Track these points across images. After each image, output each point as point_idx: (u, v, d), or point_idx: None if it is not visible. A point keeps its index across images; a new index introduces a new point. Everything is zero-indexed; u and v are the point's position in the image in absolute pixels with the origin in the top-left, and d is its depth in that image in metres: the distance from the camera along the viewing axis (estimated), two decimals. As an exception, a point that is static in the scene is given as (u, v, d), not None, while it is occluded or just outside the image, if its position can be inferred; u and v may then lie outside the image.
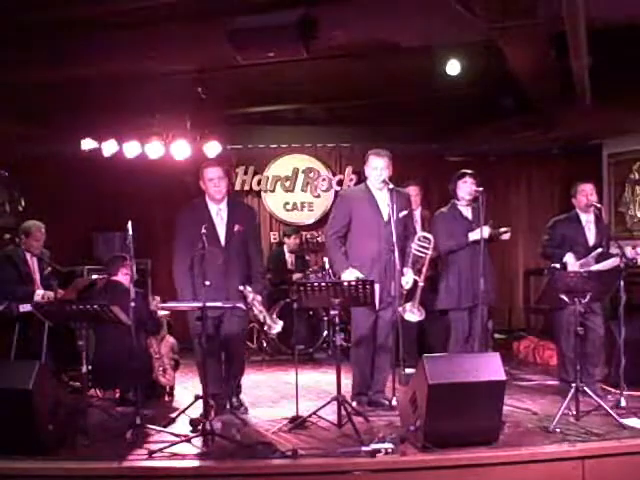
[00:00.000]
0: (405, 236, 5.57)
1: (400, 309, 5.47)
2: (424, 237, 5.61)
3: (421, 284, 5.58)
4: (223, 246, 5.40)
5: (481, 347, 5.87)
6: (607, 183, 9.04)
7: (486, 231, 5.79)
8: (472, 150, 9.32)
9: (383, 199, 5.52)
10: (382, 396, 5.58)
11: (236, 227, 5.46)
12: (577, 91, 6.81)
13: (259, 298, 5.30)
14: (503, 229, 6.08)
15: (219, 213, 5.48)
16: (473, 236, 5.90)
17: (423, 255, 5.56)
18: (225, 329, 5.41)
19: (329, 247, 5.68)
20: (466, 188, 5.99)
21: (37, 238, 6.40)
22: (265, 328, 5.51)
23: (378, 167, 5.53)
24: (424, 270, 5.61)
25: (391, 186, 5.46)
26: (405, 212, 5.54)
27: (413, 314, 5.61)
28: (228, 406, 5.43)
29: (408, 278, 5.49)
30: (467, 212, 6.06)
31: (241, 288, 5.22)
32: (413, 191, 7.02)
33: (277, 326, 5.37)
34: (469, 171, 6.06)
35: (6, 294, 6.09)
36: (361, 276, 5.29)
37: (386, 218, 5.47)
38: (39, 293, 6.20)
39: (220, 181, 5.41)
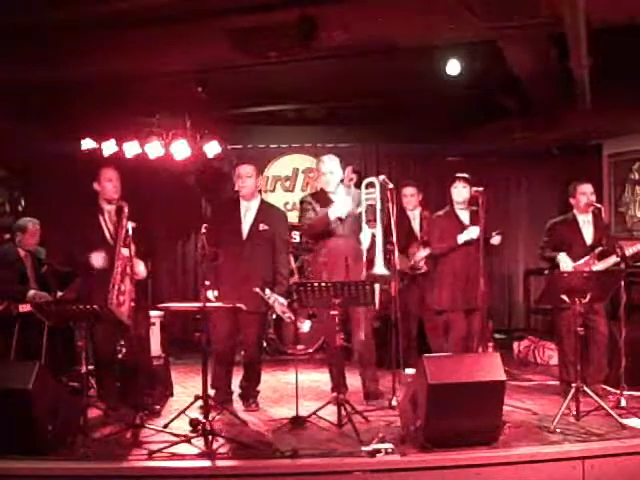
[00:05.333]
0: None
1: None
2: (369, 183, 5.61)
3: (379, 236, 5.52)
4: (243, 241, 5.62)
5: (480, 348, 5.91)
6: (607, 183, 9.03)
7: (476, 232, 5.85)
8: (472, 150, 9.32)
9: (337, 198, 5.73)
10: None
11: (261, 226, 5.66)
12: (577, 91, 6.80)
13: (281, 300, 5.46)
14: (493, 233, 6.07)
15: (248, 210, 5.71)
16: (462, 238, 5.98)
17: (373, 202, 5.55)
18: (241, 328, 5.62)
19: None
20: (457, 192, 6.07)
21: (33, 234, 6.43)
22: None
23: (327, 172, 5.76)
24: (377, 219, 5.56)
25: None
26: (360, 208, 5.63)
27: (381, 269, 5.51)
28: (242, 406, 5.64)
29: (365, 234, 5.55)
30: (464, 216, 6.13)
31: (257, 290, 5.28)
32: (409, 191, 7.06)
33: (304, 325, 5.48)
34: (462, 175, 6.10)
35: (1, 293, 6.09)
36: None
37: (344, 215, 5.65)
38: (31, 294, 6.19)
39: (246, 179, 5.68)
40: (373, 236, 5.51)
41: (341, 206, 5.58)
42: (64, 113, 7.64)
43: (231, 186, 5.91)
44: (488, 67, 7.11)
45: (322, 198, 5.78)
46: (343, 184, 5.87)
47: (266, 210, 5.81)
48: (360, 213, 5.60)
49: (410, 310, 6.94)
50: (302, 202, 5.93)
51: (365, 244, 5.54)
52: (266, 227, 5.66)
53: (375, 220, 5.51)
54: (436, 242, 6.15)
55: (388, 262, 5.72)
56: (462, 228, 6.04)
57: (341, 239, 5.69)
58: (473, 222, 6.00)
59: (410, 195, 7.06)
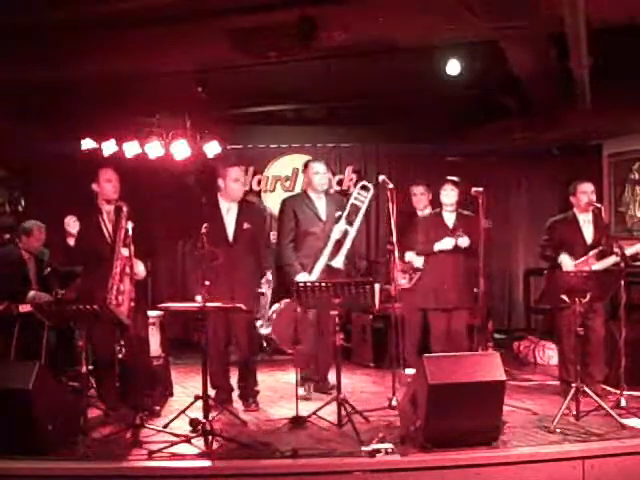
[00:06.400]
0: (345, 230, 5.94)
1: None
2: (364, 186, 5.98)
3: (352, 235, 5.87)
4: (231, 243, 5.64)
5: (473, 347, 5.96)
6: (607, 183, 9.03)
7: (450, 243, 6.09)
8: (472, 150, 9.32)
9: (320, 202, 5.98)
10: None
11: (245, 225, 5.70)
12: (577, 91, 6.81)
13: (262, 290, 5.77)
14: (458, 234, 6.14)
15: (229, 211, 5.73)
16: (437, 246, 6.16)
17: (360, 204, 5.94)
18: (233, 327, 5.67)
19: (287, 255, 5.93)
20: (445, 195, 6.21)
21: (38, 238, 6.44)
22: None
23: (320, 172, 5.97)
24: (357, 220, 5.93)
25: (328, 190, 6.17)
26: (340, 212, 5.92)
27: (337, 263, 5.82)
28: (242, 405, 5.67)
29: (340, 226, 5.83)
30: (450, 218, 6.21)
31: (261, 291, 5.72)
32: (419, 190, 7.03)
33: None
34: (451, 178, 6.17)
35: (2, 293, 6.10)
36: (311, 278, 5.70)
37: (324, 218, 5.93)
38: (31, 295, 6.21)
39: (240, 182, 5.80)
40: (345, 231, 5.85)
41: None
42: (64, 113, 7.64)
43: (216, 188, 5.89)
44: (488, 67, 7.11)
45: (306, 203, 5.98)
46: (326, 194, 6.09)
47: (247, 209, 5.87)
48: (340, 215, 5.87)
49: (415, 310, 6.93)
50: (283, 205, 6.08)
51: (334, 237, 5.82)
52: (249, 226, 5.71)
53: (354, 220, 5.88)
54: (421, 243, 6.31)
55: (388, 261, 5.81)
56: (447, 231, 6.11)
57: (321, 241, 5.86)
58: (459, 225, 6.13)
59: (420, 194, 7.04)
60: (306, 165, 6.13)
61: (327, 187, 6.08)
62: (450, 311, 6.11)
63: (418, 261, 6.62)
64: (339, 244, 5.87)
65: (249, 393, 5.74)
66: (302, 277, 5.75)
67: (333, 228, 5.87)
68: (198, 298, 5.15)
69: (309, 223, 5.95)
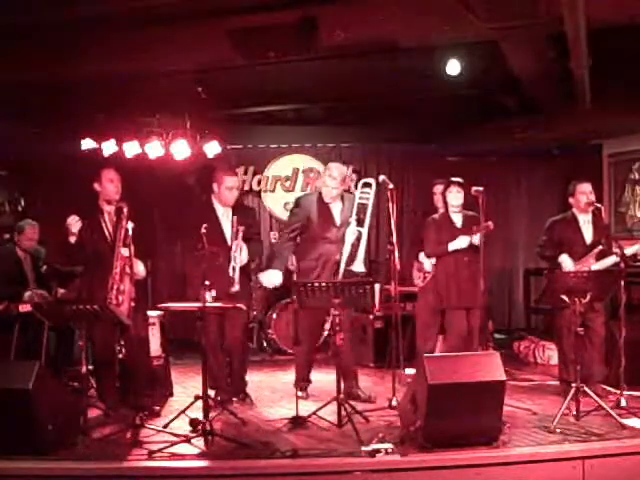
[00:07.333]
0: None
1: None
2: (365, 183, 5.87)
3: (365, 235, 5.78)
4: (229, 246, 5.65)
5: (477, 347, 5.94)
6: (607, 183, 9.04)
7: (465, 241, 6.01)
8: (472, 150, 9.32)
9: (335, 205, 5.92)
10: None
11: (241, 228, 5.68)
12: (577, 91, 6.81)
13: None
14: (475, 228, 6.07)
15: (224, 213, 5.79)
16: (452, 246, 6.09)
17: (366, 202, 5.84)
18: (227, 324, 5.70)
19: (283, 256, 5.95)
20: (452, 196, 6.15)
21: (30, 237, 6.47)
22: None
23: (330, 186, 5.85)
24: (367, 219, 5.84)
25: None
26: (352, 216, 5.83)
27: (359, 267, 5.75)
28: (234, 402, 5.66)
29: (352, 230, 5.75)
30: (457, 219, 6.18)
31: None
32: (439, 190, 6.96)
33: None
34: (457, 180, 6.13)
35: (1, 293, 6.10)
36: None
37: (338, 223, 5.86)
38: (27, 294, 6.21)
39: (234, 190, 5.84)
40: (359, 233, 5.76)
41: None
42: (64, 113, 7.64)
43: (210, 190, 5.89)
44: (488, 67, 7.11)
45: (321, 207, 5.90)
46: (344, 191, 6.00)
47: (241, 211, 5.88)
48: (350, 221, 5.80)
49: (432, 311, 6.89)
50: (298, 204, 6.05)
51: (349, 240, 5.74)
52: (244, 228, 5.71)
53: (364, 220, 5.79)
54: (432, 245, 6.23)
55: (388, 261, 5.79)
56: (457, 232, 6.11)
57: (334, 245, 5.82)
58: (466, 226, 6.10)
59: (440, 193, 6.99)
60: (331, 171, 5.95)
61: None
62: (467, 310, 6.07)
63: (427, 263, 6.57)
64: (354, 247, 5.78)
65: (239, 388, 5.79)
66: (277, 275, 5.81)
67: (346, 232, 5.78)
68: (207, 296, 5.15)
69: (323, 227, 5.87)
